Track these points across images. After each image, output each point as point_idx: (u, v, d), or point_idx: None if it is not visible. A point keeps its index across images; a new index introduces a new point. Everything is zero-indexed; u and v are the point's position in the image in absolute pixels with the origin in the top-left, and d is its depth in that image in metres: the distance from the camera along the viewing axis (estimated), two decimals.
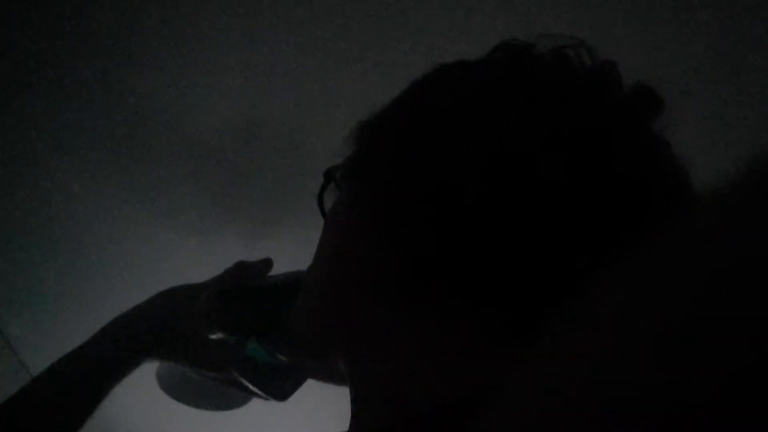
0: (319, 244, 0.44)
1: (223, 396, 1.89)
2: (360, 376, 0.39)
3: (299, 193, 1.68)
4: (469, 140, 0.32)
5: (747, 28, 1.23)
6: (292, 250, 1.72)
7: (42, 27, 1.44)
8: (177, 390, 1.84)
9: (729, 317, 0.12)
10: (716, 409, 0.12)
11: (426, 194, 0.33)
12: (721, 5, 1.21)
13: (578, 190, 0.29)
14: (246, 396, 1.96)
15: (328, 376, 0.44)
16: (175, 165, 1.68)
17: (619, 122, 0.32)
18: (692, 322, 0.13)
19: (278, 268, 0.60)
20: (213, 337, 0.50)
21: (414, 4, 1.33)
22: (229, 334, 0.49)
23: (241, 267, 0.57)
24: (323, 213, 0.46)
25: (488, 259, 0.30)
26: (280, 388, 0.49)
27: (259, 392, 0.51)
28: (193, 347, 0.57)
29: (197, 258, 1.98)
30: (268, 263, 0.57)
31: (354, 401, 0.39)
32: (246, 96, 1.55)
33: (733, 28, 1.23)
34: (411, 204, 0.34)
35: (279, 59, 1.47)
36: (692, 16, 1.24)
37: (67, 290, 2.18)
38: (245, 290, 0.49)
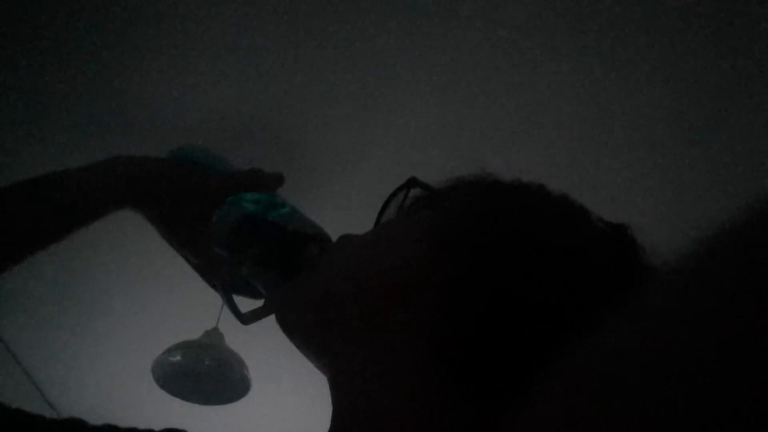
0: (369, 244, 0.44)
1: (216, 392, 1.90)
2: (340, 390, 0.40)
3: (286, 186, 1.69)
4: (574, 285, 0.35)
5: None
6: None
7: (30, 21, 1.44)
8: (171, 384, 1.85)
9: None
10: None
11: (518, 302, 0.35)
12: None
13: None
14: (239, 392, 1.96)
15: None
16: None
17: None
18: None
19: None
20: (215, 248, 0.51)
21: (407, 2, 1.34)
22: (230, 255, 0.50)
23: (255, 174, 0.56)
24: (383, 211, 0.48)
25: (522, 362, 0.33)
26: (248, 312, 0.51)
27: (227, 305, 0.52)
28: (187, 230, 0.56)
29: None
30: (280, 180, 0.57)
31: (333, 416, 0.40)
32: (234, 90, 1.55)
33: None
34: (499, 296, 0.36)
35: (267, 55, 1.48)
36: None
37: (62, 289, 2.18)
38: (266, 224, 0.49)
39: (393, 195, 0.48)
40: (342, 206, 1.75)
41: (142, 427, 0.49)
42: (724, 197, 1.52)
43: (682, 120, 1.42)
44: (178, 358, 1.83)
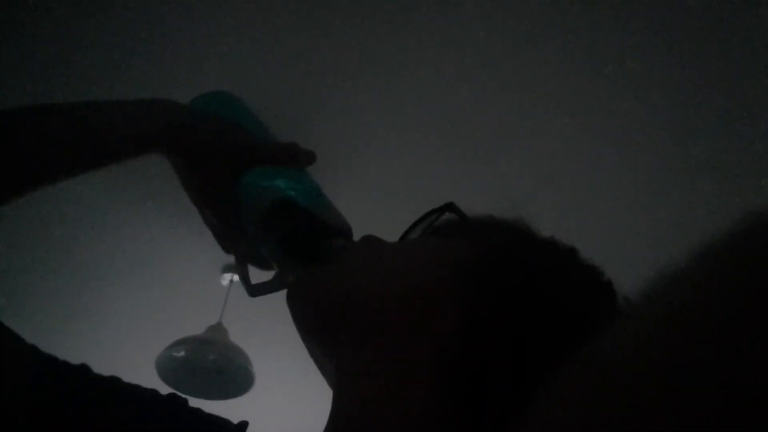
0: (401, 256, 0.45)
1: (219, 386, 1.91)
2: (343, 389, 0.41)
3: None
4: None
5: None
6: None
7: (38, 23, 1.44)
8: (175, 379, 1.86)
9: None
10: None
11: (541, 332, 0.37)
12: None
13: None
14: (243, 387, 1.96)
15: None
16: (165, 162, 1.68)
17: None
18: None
19: None
20: (243, 222, 0.51)
21: (410, 3, 1.33)
22: (256, 233, 0.50)
23: (290, 149, 0.55)
24: (413, 227, 0.49)
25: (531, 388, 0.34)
26: (257, 284, 0.51)
27: (239, 274, 0.52)
28: (211, 187, 0.55)
29: (190, 254, 1.98)
30: (312, 158, 0.56)
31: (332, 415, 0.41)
32: (236, 86, 1.55)
33: None
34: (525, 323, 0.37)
35: (271, 52, 1.47)
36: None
37: (65, 285, 2.19)
38: (297, 209, 0.49)
39: (427, 215, 0.49)
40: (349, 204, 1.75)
41: (145, 387, 0.48)
42: (726, 201, 1.52)
43: (684, 123, 1.42)
44: (182, 353, 1.84)
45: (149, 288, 2.18)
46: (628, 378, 0.17)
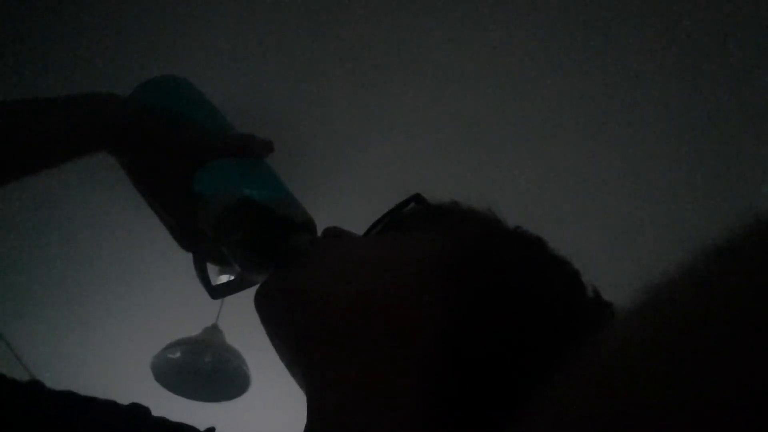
0: (375, 255, 0.43)
1: (215, 388, 1.90)
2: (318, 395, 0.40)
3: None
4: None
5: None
6: None
7: (33, 21, 1.44)
8: (171, 381, 1.85)
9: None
10: None
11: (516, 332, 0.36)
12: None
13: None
14: (239, 389, 1.95)
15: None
16: None
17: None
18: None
19: None
20: (200, 223, 0.48)
21: (408, 6, 1.33)
22: (215, 234, 0.48)
23: (247, 140, 0.51)
24: (380, 221, 0.48)
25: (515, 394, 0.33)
26: (218, 285, 0.50)
27: (199, 276, 0.50)
28: (164, 185, 0.51)
29: (185, 255, 1.97)
30: (269, 148, 0.52)
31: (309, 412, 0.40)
32: (235, 89, 1.55)
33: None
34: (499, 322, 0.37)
35: (268, 54, 1.47)
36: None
37: (61, 286, 2.18)
38: (256, 207, 0.47)
39: (396, 208, 0.48)
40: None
41: (102, 398, 0.47)
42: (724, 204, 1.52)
43: (680, 123, 1.42)
44: (178, 354, 1.84)
45: (145, 289, 2.17)
46: (629, 378, 0.17)
